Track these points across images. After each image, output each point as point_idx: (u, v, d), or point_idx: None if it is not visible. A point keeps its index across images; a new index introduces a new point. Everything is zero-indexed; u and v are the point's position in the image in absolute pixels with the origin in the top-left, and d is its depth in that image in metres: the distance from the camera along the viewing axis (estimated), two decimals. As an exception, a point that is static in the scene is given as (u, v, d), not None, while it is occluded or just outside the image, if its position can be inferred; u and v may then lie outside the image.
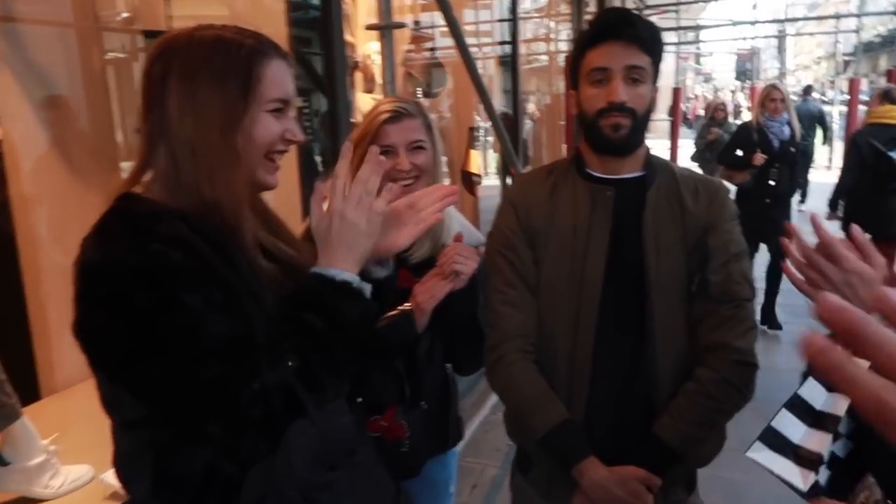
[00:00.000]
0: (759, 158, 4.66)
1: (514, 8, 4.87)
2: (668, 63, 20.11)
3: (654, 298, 1.34)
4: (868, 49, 26.27)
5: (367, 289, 0.98)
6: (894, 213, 4.31)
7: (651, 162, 1.43)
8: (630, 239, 1.36)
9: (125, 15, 3.58)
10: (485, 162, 7.94)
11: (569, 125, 5.79)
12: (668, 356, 1.36)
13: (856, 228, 0.98)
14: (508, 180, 4.18)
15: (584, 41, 1.37)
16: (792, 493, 2.88)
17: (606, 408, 1.38)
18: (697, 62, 29.16)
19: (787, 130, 4.73)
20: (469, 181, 4.35)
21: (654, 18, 11.53)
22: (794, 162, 4.80)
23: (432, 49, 4.84)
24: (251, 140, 0.97)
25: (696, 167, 7.83)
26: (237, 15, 2.81)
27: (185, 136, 0.94)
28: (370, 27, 2.20)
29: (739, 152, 4.85)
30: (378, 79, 3.98)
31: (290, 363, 0.89)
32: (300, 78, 2.93)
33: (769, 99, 4.78)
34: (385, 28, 1.99)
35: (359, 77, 3.67)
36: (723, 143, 7.81)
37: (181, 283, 0.88)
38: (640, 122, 1.35)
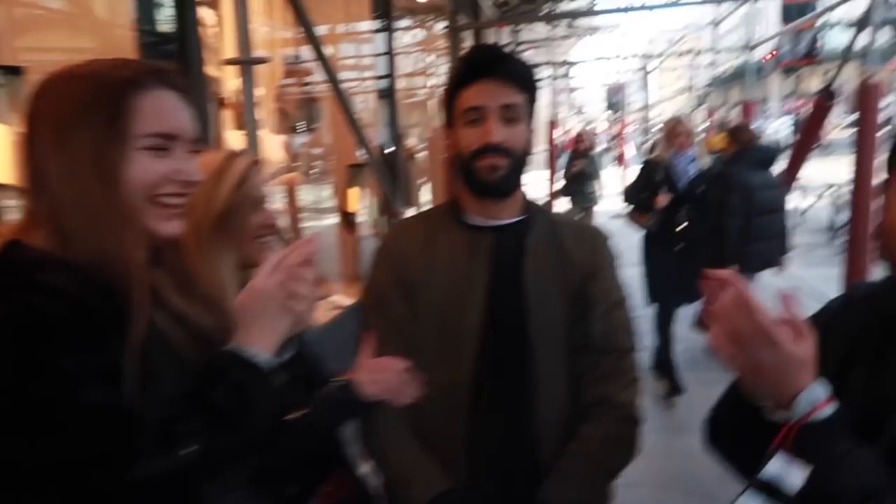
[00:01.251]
0: (662, 200, 4.22)
1: (389, 42, 4.83)
2: (543, 96, 21.03)
3: (536, 351, 1.28)
4: (720, 82, 28.70)
5: (282, 375, 0.93)
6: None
7: (530, 206, 1.38)
8: (510, 288, 1.30)
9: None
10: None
11: (448, 166, 5.79)
12: (551, 412, 1.30)
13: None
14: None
15: (457, 80, 1.31)
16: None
17: (487, 470, 1.30)
18: (570, 95, 30.66)
19: (694, 168, 4.35)
20: (349, 221, 4.22)
21: (527, 54, 11.96)
22: (705, 203, 4.11)
23: (307, 84, 4.70)
24: (128, 184, 0.87)
25: (565, 201, 8.14)
26: (85, 48, 2.58)
27: (59, 185, 0.85)
28: (228, 62, 2.04)
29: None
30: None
31: (190, 447, 0.80)
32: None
33: (674, 133, 4.42)
34: (244, 63, 1.84)
35: (229, 113, 3.48)
36: (589, 174, 8.22)
37: (58, 343, 0.78)
38: (518, 163, 1.30)
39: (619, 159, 12.79)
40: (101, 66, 0.89)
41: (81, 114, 0.85)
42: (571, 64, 17.49)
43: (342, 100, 2.78)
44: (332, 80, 2.66)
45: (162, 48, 2.91)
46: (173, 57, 2.31)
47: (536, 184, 12.00)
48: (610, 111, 27.38)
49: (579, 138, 8.58)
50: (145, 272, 0.90)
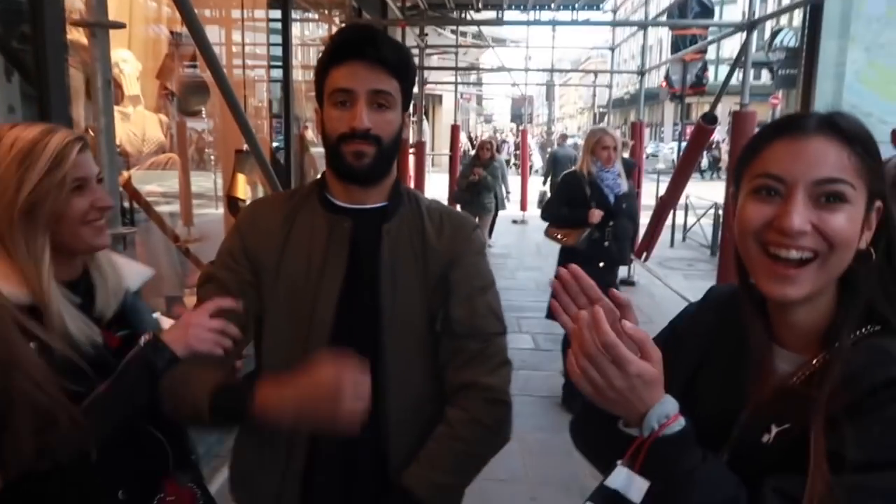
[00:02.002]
0: (597, 215, 4.02)
1: (286, 32, 4.71)
2: (448, 102, 21.17)
3: (386, 342, 1.24)
4: (619, 104, 30.10)
5: None
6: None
7: (398, 192, 1.34)
8: (367, 275, 1.26)
9: None
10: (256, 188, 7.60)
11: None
12: (401, 401, 1.27)
13: (616, 296, 0.89)
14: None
15: (328, 58, 1.24)
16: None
17: (332, 458, 1.26)
18: (479, 103, 31.12)
19: (622, 183, 4.17)
20: (236, 206, 4.06)
21: (434, 59, 12.02)
22: (630, 219, 4.27)
23: (193, 62, 4.49)
24: None
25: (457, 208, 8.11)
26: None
27: None
28: (75, 23, 1.86)
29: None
30: (127, 90, 3.56)
31: None
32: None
33: (601, 147, 4.11)
34: (96, 26, 1.69)
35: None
36: (487, 185, 7.84)
37: None
38: (386, 151, 1.25)
39: (521, 170, 12.99)
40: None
41: None
42: (479, 71, 17.74)
43: (223, 85, 2.67)
44: (213, 64, 2.54)
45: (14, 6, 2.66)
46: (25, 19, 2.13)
47: (437, 187, 12.10)
48: (514, 123, 28.06)
49: (483, 146, 8.28)
50: None
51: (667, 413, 0.79)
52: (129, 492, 1.21)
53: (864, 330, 0.84)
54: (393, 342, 1.25)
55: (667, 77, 13.00)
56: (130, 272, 1.37)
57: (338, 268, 1.24)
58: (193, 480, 1.33)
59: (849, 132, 0.82)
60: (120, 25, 1.80)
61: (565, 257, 4.15)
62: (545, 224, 4.50)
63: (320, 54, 1.28)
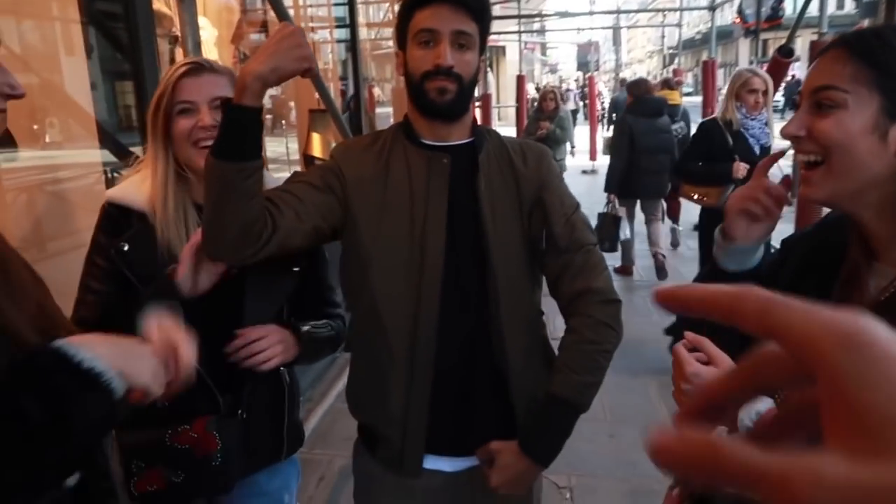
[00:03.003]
0: (742, 169, 3.48)
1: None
2: (512, 53, 20.74)
3: (495, 262, 1.33)
4: (690, 45, 28.76)
5: (120, 387, 0.76)
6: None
7: (478, 129, 1.42)
8: (466, 205, 1.35)
9: None
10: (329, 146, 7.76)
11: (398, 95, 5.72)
12: (513, 318, 1.36)
13: (692, 339, 1.00)
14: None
15: (413, 1, 1.32)
16: (632, 453, 2.99)
17: (453, 377, 1.36)
18: (543, 53, 30.42)
19: (768, 133, 3.64)
20: (312, 164, 4.20)
21: (497, 8, 11.83)
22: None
23: (264, 26, 4.62)
24: None
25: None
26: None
27: None
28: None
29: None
30: (205, 54, 3.73)
31: None
32: (119, 61, 2.66)
33: (747, 90, 3.54)
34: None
35: (180, 51, 3.42)
36: (556, 138, 6.84)
37: None
38: (467, 89, 1.33)
39: (590, 119, 12.68)
40: None
41: None
42: (542, 17, 17.31)
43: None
44: (284, 18, 2.62)
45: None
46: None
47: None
48: (580, 71, 27.35)
49: (546, 96, 7.30)
50: None
51: (758, 410, 0.86)
52: (172, 408, 1.20)
53: None
54: (499, 263, 1.34)
55: (740, 11, 12.30)
56: (271, 181, 1.43)
57: (441, 199, 1.33)
58: (222, 433, 1.34)
59: (857, 47, 0.86)
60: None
61: (709, 220, 3.67)
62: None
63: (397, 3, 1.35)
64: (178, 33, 3.38)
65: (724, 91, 3.91)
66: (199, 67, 1.35)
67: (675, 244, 6.95)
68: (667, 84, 7.42)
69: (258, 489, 1.50)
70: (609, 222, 5.34)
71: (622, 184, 5.33)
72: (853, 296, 0.92)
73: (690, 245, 6.98)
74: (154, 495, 1.30)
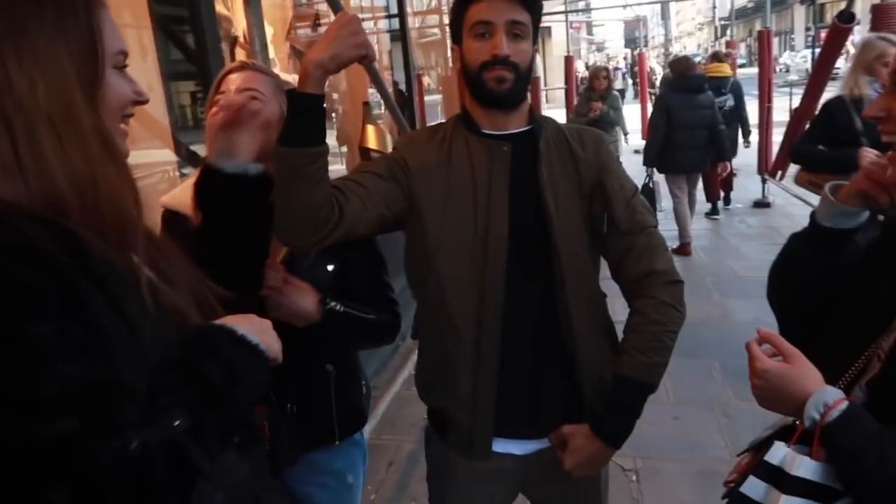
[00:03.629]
0: (869, 157, 2.67)
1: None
2: (558, 33, 20.44)
3: (559, 245, 1.36)
4: (743, 14, 27.75)
5: (269, 357, 0.89)
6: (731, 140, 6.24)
7: (535, 116, 1.45)
8: (528, 190, 1.38)
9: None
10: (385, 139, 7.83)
11: (460, 89, 5.74)
12: (578, 299, 1.39)
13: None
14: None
15: None
16: (697, 434, 3.00)
17: (520, 359, 1.39)
18: (590, 32, 29.90)
19: None
20: (368, 156, 4.26)
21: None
22: None
23: (318, 21, 4.70)
24: (108, 104, 0.82)
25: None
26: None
27: (36, 107, 0.75)
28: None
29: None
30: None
31: (177, 420, 0.74)
32: (183, 62, 2.77)
33: (882, 61, 2.91)
34: (250, -5, 1.89)
35: (241, 53, 3.51)
36: (609, 119, 6.34)
37: (27, 307, 0.69)
38: (523, 77, 1.36)
39: (641, 97, 12.41)
40: None
41: (58, 34, 0.78)
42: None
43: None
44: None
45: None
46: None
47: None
48: (628, 48, 26.77)
49: (597, 74, 6.78)
50: (139, 205, 0.84)
51: (825, 401, 0.88)
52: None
53: None
54: (563, 245, 1.37)
55: None
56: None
57: (503, 186, 1.37)
58: (271, 422, 1.40)
59: None
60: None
61: None
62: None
63: None
64: (236, 34, 3.49)
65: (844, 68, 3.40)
66: (244, 66, 1.43)
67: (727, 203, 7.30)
68: (716, 57, 7.40)
69: (321, 468, 1.56)
70: (646, 194, 5.40)
71: (660, 159, 5.64)
72: None
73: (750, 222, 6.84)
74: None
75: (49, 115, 0.76)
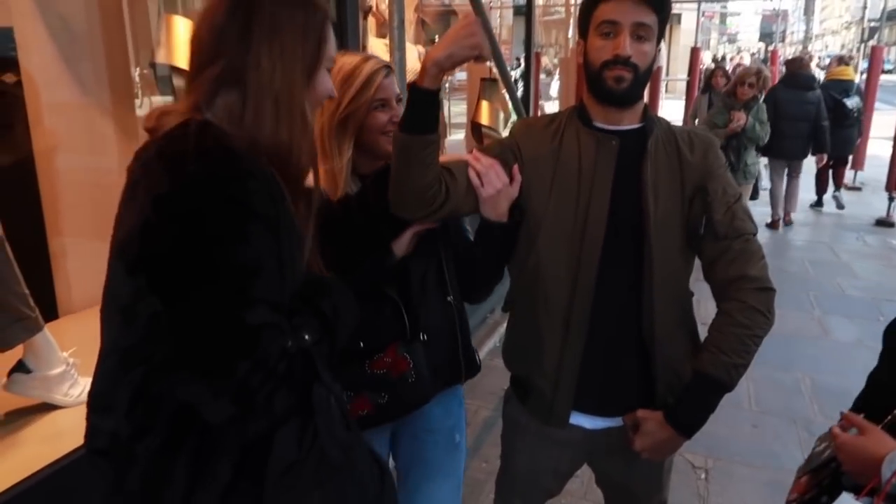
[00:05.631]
0: None
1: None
2: (688, 22, 19.53)
3: (652, 240, 1.43)
4: (894, 17, 25.56)
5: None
6: (847, 141, 7.30)
7: (648, 115, 1.51)
8: (630, 185, 1.44)
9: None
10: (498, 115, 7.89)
11: (578, 75, 5.71)
12: (663, 297, 1.45)
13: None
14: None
15: None
16: (773, 444, 3.00)
17: (603, 342, 1.48)
18: (723, 22, 28.44)
19: None
20: (479, 133, 4.37)
21: (678, -26, 11.26)
22: None
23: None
24: (314, 93, 1.08)
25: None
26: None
27: (270, 85, 1.00)
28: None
29: None
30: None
31: (307, 336, 0.99)
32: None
33: None
34: (391, -26, 2.03)
35: (371, 22, 3.69)
36: (754, 136, 5.23)
37: (257, 222, 0.92)
38: (642, 77, 1.42)
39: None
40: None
41: (300, 34, 1.04)
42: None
43: (479, 10, 2.86)
44: None
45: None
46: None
47: (671, 115, 11.49)
48: (762, 42, 25.23)
49: (742, 79, 5.29)
50: (316, 174, 1.11)
51: None
52: (367, 343, 1.53)
53: None
54: (657, 243, 1.43)
55: None
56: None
57: (606, 178, 1.44)
58: (411, 353, 1.55)
59: None
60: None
61: None
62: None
63: None
64: (370, 4, 3.67)
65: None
66: (390, 70, 1.55)
67: (840, 207, 7.63)
68: (841, 61, 7.93)
69: (431, 425, 1.69)
70: None
71: (767, 146, 5.82)
72: None
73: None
74: (366, 418, 1.53)
75: (276, 93, 1.01)
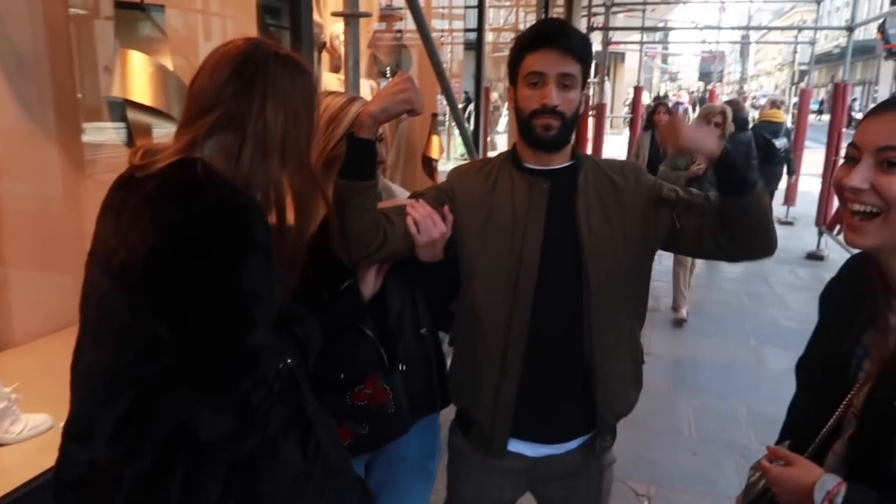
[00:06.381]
0: None
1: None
2: (631, 61, 20.25)
3: (590, 269, 1.49)
4: (826, 59, 27.00)
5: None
6: (774, 176, 7.68)
7: (577, 154, 1.60)
8: (565, 220, 1.51)
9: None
10: (448, 146, 8.03)
11: (511, 119, 5.88)
12: (603, 323, 1.51)
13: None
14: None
15: (524, 45, 1.51)
16: (712, 471, 3.10)
17: (541, 375, 1.53)
18: (664, 61, 29.61)
19: None
20: (430, 166, 4.45)
21: (620, 17, 11.72)
22: None
23: (399, 31, 4.91)
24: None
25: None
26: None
27: (273, 135, 1.11)
28: (336, 14, 2.29)
29: None
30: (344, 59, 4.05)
31: (289, 359, 1.09)
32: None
33: None
34: (350, 16, 2.09)
35: (325, 57, 3.74)
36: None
37: (258, 251, 1.01)
38: (569, 123, 1.50)
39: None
40: (306, 64, 1.20)
41: (300, 94, 1.15)
42: (667, 29, 16.95)
43: (430, 47, 2.90)
44: (422, 28, 2.79)
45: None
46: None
47: (615, 149, 11.83)
48: (701, 82, 26.38)
49: (710, 115, 4.93)
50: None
51: (826, 489, 1.01)
52: (347, 375, 1.57)
53: None
54: (595, 274, 1.49)
55: (881, 30, 11.42)
56: (401, 193, 1.73)
57: (539, 219, 1.51)
58: (391, 384, 1.61)
59: None
60: (367, 15, 2.17)
61: None
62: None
63: (515, 41, 1.54)
64: (325, 39, 3.72)
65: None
66: (354, 99, 1.60)
67: None
68: (773, 104, 8.55)
69: (406, 453, 1.71)
70: None
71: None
72: (877, 333, 1.04)
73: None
74: (347, 448, 1.51)
75: (280, 144, 1.12)
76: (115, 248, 1.03)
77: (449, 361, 1.71)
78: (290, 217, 1.20)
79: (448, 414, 1.75)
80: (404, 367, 1.63)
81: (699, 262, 5.11)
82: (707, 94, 15.62)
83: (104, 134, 3.17)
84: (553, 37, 1.46)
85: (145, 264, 0.97)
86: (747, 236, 1.45)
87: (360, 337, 1.58)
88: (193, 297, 0.97)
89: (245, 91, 1.09)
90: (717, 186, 1.43)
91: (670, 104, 11.06)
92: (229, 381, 0.98)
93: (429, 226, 1.49)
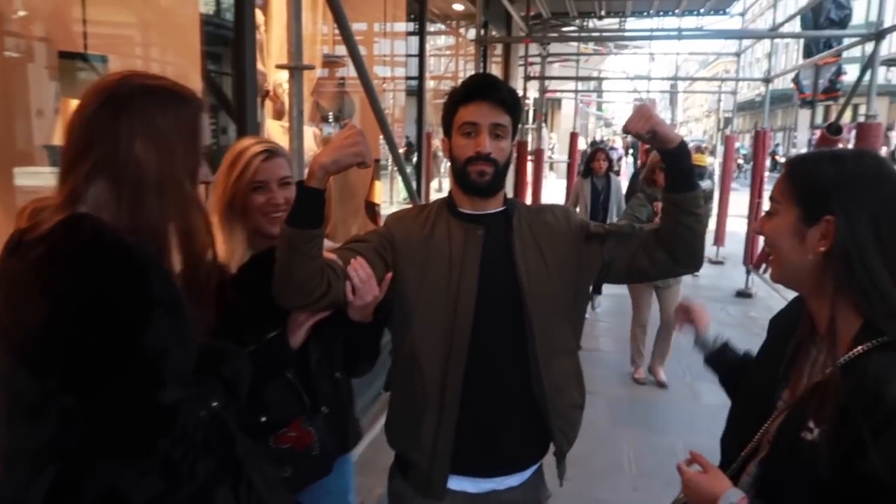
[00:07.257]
0: None
1: (421, 44, 5.11)
2: (568, 107, 20.83)
3: (529, 305, 1.55)
4: (750, 106, 28.57)
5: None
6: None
7: (508, 199, 1.68)
8: (502, 260, 1.58)
9: (22, 14, 3.49)
10: (391, 191, 8.11)
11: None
12: (548, 353, 1.57)
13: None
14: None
15: (457, 98, 1.59)
16: (644, 502, 3.13)
17: (480, 414, 1.57)
18: (599, 108, 30.73)
19: None
20: (373, 211, 4.51)
21: (556, 66, 12.18)
22: None
23: (342, 78, 5.00)
24: (195, 178, 1.15)
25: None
26: (152, 25, 2.87)
27: (147, 175, 1.04)
28: (280, 66, 2.35)
29: None
30: (288, 107, 4.09)
31: (214, 402, 1.06)
32: (209, 94, 3.02)
33: None
34: (294, 69, 2.15)
35: (268, 105, 3.78)
36: None
37: (158, 308, 0.97)
38: (501, 170, 1.59)
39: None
40: (185, 92, 1.13)
41: (174, 128, 1.09)
42: (600, 79, 17.68)
43: (371, 95, 2.97)
44: (363, 76, 2.86)
45: (216, 31, 3.21)
46: (228, 40, 2.61)
47: (553, 193, 12.11)
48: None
49: (654, 168, 4.69)
50: (214, 253, 1.18)
51: (730, 501, 1.09)
52: (269, 419, 1.58)
53: (875, 341, 1.02)
54: (534, 306, 1.55)
55: (796, 81, 12.17)
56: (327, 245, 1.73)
57: (474, 262, 1.57)
58: (315, 426, 1.63)
59: (791, 167, 1.13)
60: (310, 67, 2.23)
61: None
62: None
63: (449, 95, 1.63)
64: (268, 88, 3.76)
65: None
66: (271, 154, 1.63)
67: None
68: (698, 150, 8.76)
69: (327, 488, 1.72)
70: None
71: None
72: (802, 364, 1.15)
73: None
74: None
75: (158, 183, 1.05)
76: (10, 323, 0.98)
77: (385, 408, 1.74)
78: (179, 257, 1.15)
79: (386, 461, 1.77)
80: (327, 410, 1.66)
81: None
82: (640, 141, 16.14)
83: (40, 178, 3.11)
84: (485, 90, 1.56)
85: (45, 341, 0.94)
86: (683, 242, 1.55)
87: (282, 382, 1.60)
88: (99, 368, 0.94)
89: (111, 132, 1.04)
90: (668, 185, 1.53)
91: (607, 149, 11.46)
92: (147, 444, 0.97)
93: (366, 291, 1.51)
